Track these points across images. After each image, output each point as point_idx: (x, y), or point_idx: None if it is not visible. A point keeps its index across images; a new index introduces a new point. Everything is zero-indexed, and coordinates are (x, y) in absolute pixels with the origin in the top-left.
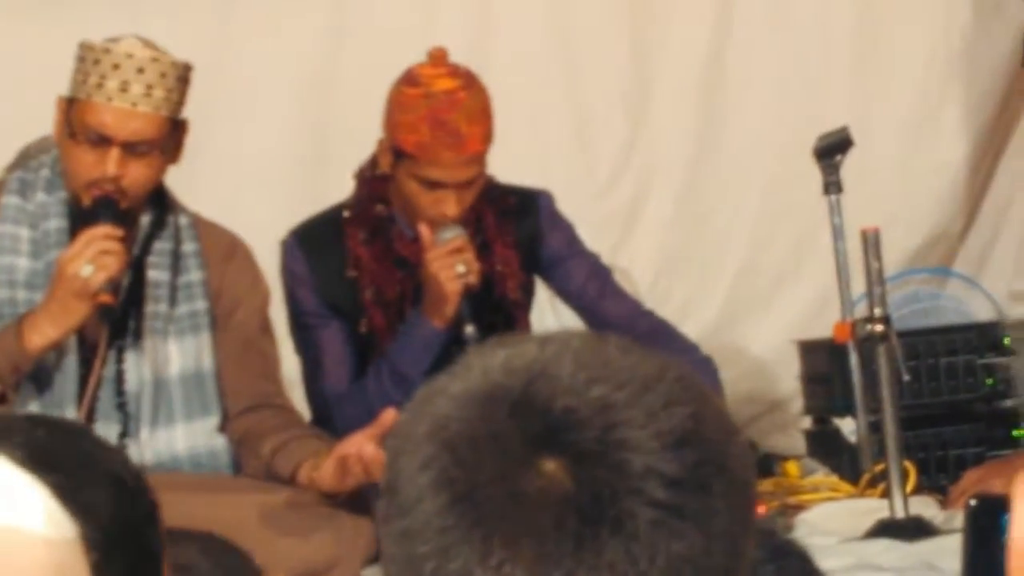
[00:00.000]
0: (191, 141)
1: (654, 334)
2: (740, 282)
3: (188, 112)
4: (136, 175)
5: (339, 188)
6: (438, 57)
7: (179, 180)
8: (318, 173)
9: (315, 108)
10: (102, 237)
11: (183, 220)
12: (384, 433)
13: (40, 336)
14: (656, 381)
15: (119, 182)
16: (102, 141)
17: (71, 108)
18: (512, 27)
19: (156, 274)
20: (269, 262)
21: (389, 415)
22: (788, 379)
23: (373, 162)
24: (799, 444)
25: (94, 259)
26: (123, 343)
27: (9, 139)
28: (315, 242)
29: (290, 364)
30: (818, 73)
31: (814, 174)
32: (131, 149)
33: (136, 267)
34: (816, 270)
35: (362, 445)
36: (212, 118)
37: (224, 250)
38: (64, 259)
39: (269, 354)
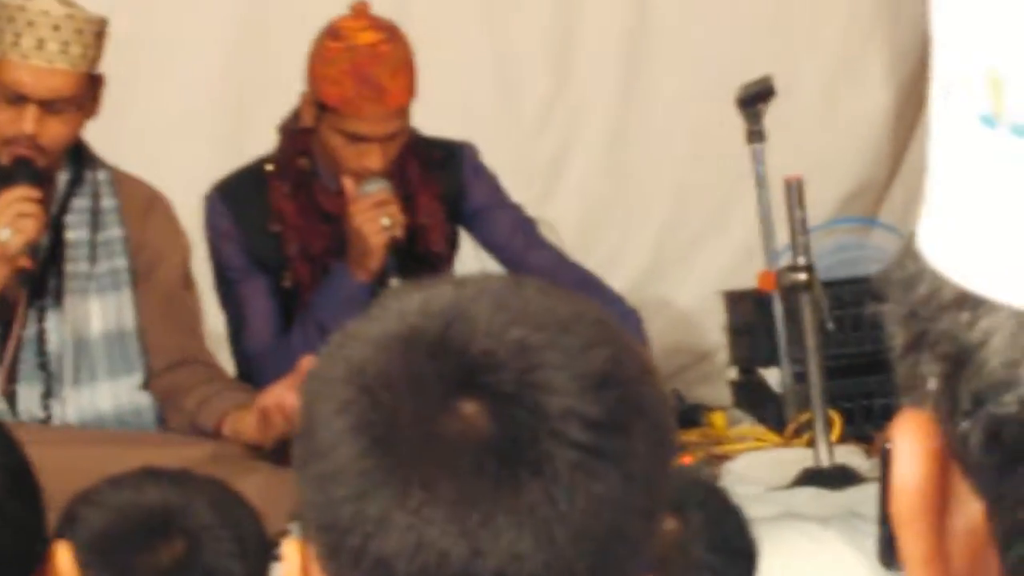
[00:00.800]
0: (115, 96)
1: (580, 285)
2: (665, 233)
3: (111, 66)
4: (54, 133)
5: (263, 142)
6: (360, 10)
7: (103, 134)
8: (242, 127)
9: (239, 62)
10: (19, 199)
11: (101, 175)
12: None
13: None
14: (575, 323)
15: (36, 140)
16: (19, 99)
17: None
18: None
19: (75, 233)
20: (194, 217)
21: (306, 363)
22: (714, 330)
23: (296, 116)
24: (725, 395)
25: (11, 222)
26: (43, 303)
27: None
28: (238, 196)
29: (215, 319)
30: (742, 21)
31: (739, 123)
32: (49, 107)
33: (55, 226)
34: (741, 220)
35: (282, 395)
36: (136, 72)
37: (143, 204)
38: None
39: (191, 309)
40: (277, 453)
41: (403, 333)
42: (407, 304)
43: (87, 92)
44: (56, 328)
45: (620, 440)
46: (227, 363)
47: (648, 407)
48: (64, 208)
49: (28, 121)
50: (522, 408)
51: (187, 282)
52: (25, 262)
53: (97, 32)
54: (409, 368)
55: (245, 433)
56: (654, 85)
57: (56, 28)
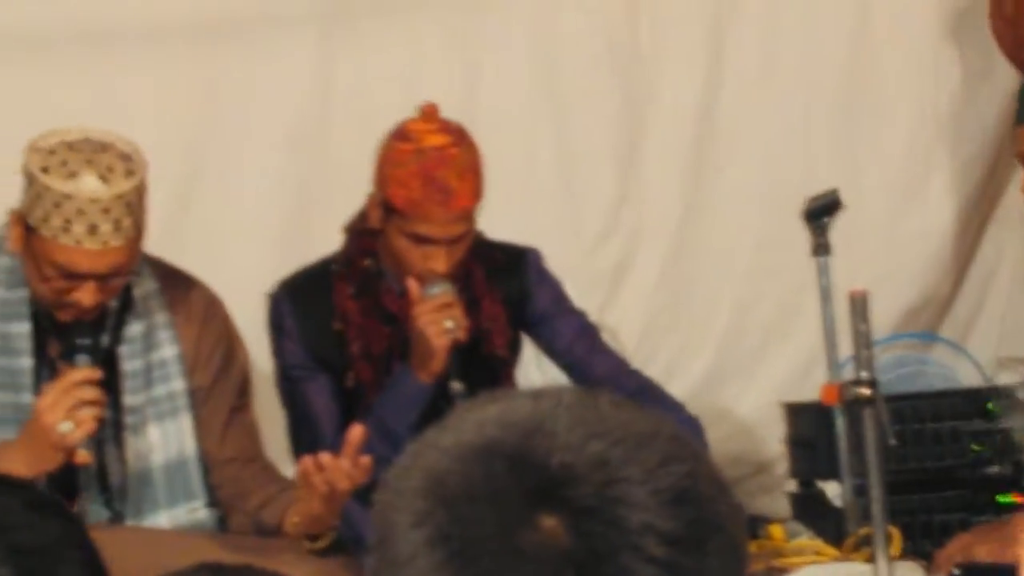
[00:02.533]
0: (179, 192)
1: (641, 393)
2: (727, 343)
3: (177, 164)
4: (112, 291)
5: (326, 241)
6: (430, 112)
7: (167, 231)
8: (305, 226)
9: (303, 161)
10: (80, 383)
11: (150, 286)
12: (353, 451)
13: (12, 471)
14: (652, 438)
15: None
16: (74, 275)
17: (32, 235)
18: (501, 81)
19: (130, 364)
20: (256, 314)
21: (356, 431)
22: (773, 441)
23: (362, 216)
24: (784, 507)
25: (72, 413)
26: (102, 436)
27: None
28: (303, 295)
29: (276, 415)
30: (807, 134)
31: (802, 235)
32: (106, 278)
33: (109, 357)
34: (802, 332)
35: (321, 456)
36: (201, 170)
37: (198, 315)
38: (42, 407)
39: (250, 417)
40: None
41: (482, 445)
42: (485, 415)
43: (141, 243)
44: (116, 462)
45: (696, 555)
46: (285, 461)
47: (723, 522)
48: (117, 338)
49: (87, 296)
50: (601, 522)
51: (246, 389)
52: (85, 458)
53: (141, 188)
54: (488, 481)
55: (298, 512)
56: (718, 196)
57: (106, 211)
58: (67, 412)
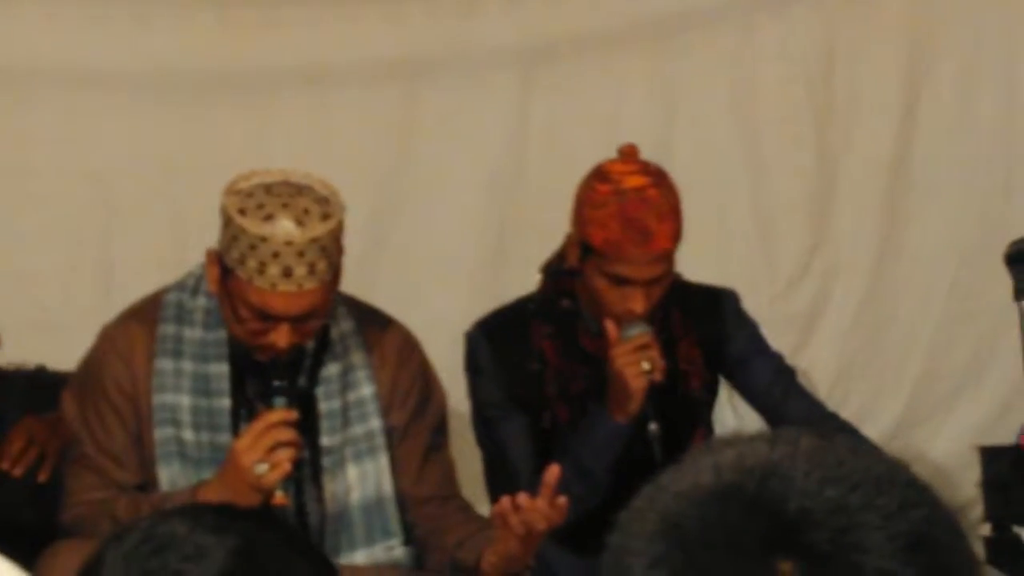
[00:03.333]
0: (375, 232)
1: None
2: (920, 386)
3: (374, 202)
4: (307, 333)
5: (522, 282)
6: (629, 153)
7: (362, 269)
8: (501, 266)
9: (500, 201)
10: (277, 424)
11: (346, 326)
12: (549, 491)
13: None
14: (889, 483)
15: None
16: (269, 317)
17: (228, 276)
18: (697, 125)
19: (327, 404)
20: (451, 354)
21: (553, 471)
22: (968, 485)
23: (560, 256)
24: (979, 551)
25: (268, 455)
26: (299, 475)
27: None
28: (500, 335)
29: (473, 454)
30: (1002, 178)
31: (996, 280)
32: (300, 320)
33: (306, 398)
34: (998, 376)
35: (519, 497)
36: (398, 209)
37: (395, 356)
38: (239, 448)
39: (446, 457)
40: None
41: (719, 489)
42: (721, 459)
43: (336, 286)
44: (314, 502)
45: None
46: (482, 502)
47: (959, 569)
48: (314, 379)
49: (282, 338)
50: (838, 568)
51: (443, 428)
52: (282, 500)
53: (336, 231)
54: (726, 525)
55: (495, 552)
56: (912, 241)
57: (301, 254)
58: (264, 453)
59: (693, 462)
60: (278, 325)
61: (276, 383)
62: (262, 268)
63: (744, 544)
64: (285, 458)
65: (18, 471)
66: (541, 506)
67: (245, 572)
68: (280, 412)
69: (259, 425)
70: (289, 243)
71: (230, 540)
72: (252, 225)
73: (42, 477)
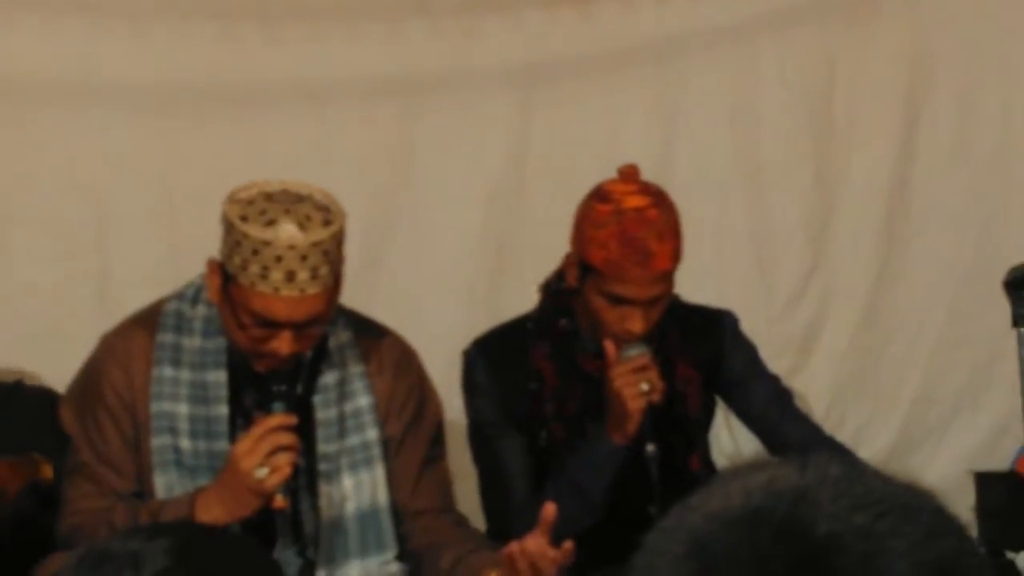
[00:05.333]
0: (372, 246)
1: None
2: (916, 410)
3: (372, 222)
4: (308, 341)
5: (520, 300)
6: (629, 174)
7: (359, 286)
8: (499, 284)
9: (499, 219)
10: (276, 428)
11: (344, 336)
12: (548, 529)
13: (211, 518)
14: (917, 511)
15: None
16: (271, 323)
17: (230, 284)
18: (697, 146)
19: (324, 413)
20: (447, 371)
21: (549, 509)
22: (962, 510)
23: (559, 275)
24: None
25: (268, 459)
26: (295, 484)
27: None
28: (498, 353)
29: (468, 470)
30: (1000, 204)
31: (993, 306)
32: (302, 327)
33: (303, 406)
34: (993, 401)
35: (525, 541)
36: (395, 226)
37: (392, 366)
38: (239, 453)
39: (442, 470)
40: None
41: (748, 511)
42: (751, 483)
43: (338, 293)
44: (310, 510)
45: None
46: (476, 516)
47: None
48: (311, 387)
49: (284, 345)
50: None
51: (439, 440)
52: (282, 503)
53: (338, 236)
54: (754, 548)
55: None
56: (909, 265)
57: (304, 259)
58: (263, 457)
59: (723, 484)
60: (280, 332)
61: (275, 387)
62: (265, 273)
63: (771, 567)
64: (285, 462)
65: None
66: (550, 553)
67: (187, 567)
68: (279, 416)
69: (258, 429)
70: (292, 247)
71: (164, 541)
72: (254, 230)
73: None
